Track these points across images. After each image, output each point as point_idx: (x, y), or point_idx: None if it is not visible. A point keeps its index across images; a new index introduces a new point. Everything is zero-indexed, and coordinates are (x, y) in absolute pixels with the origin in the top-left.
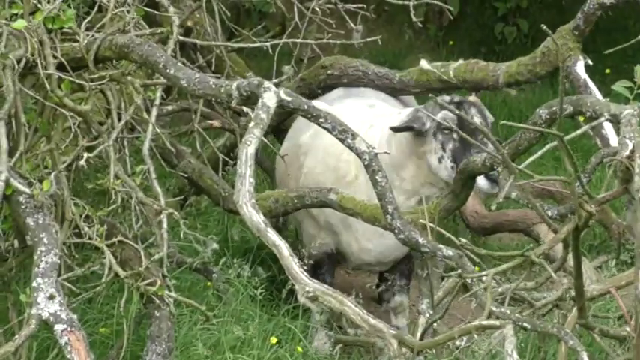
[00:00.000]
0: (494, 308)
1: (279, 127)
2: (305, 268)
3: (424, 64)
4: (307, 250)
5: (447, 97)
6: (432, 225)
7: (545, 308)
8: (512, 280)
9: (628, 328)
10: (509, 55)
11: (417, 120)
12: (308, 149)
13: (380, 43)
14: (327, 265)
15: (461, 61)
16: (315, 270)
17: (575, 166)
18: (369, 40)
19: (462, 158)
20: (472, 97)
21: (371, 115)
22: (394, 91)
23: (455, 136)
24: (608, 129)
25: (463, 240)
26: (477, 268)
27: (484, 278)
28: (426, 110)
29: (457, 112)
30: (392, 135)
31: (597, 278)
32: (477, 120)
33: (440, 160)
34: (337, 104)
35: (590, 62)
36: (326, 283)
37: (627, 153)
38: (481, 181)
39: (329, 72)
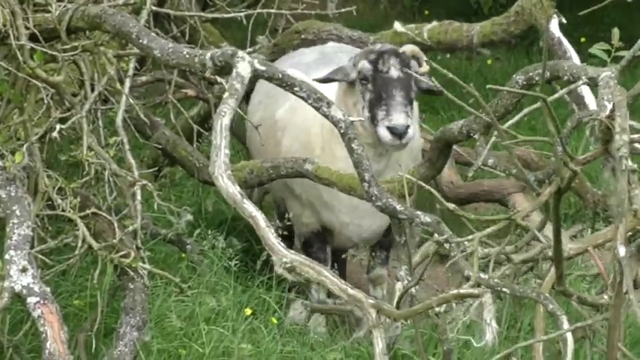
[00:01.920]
0: (469, 273)
1: None
2: (281, 238)
3: (398, 26)
4: (296, 229)
5: (376, 46)
6: (412, 179)
7: (520, 273)
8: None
9: (605, 297)
10: None
11: (340, 71)
12: (285, 126)
13: (355, 13)
14: (317, 243)
15: (435, 23)
16: (307, 249)
17: (558, 127)
18: (343, 10)
19: (375, 109)
20: (406, 47)
21: None
22: None
23: (370, 86)
24: (586, 94)
25: (452, 206)
26: None
27: (468, 244)
28: (354, 60)
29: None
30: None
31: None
32: (395, 72)
33: (363, 109)
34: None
35: (564, 20)
36: (319, 260)
37: (607, 113)
38: (382, 132)
39: (303, 37)
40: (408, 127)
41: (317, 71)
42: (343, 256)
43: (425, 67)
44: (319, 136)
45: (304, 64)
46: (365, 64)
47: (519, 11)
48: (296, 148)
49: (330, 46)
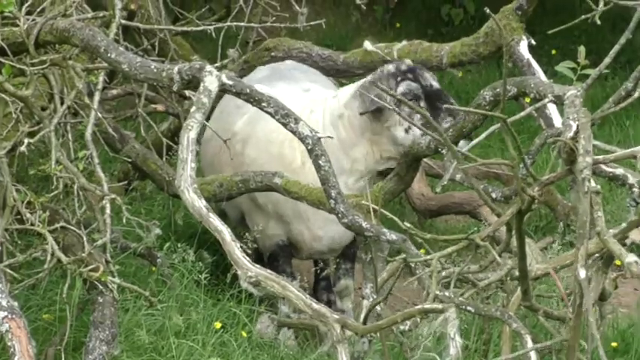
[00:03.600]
0: (438, 292)
1: None
2: (249, 253)
3: (368, 45)
4: (260, 243)
5: (392, 67)
6: (375, 207)
7: (489, 288)
8: (456, 262)
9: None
10: (455, 36)
11: (380, 98)
12: (246, 137)
13: (325, 26)
14: (283, 257)
15: (405, 42)
16: (272, 262)
17: (520, 150)
18: (314, 23)
19: (437, 120)
20: (408, 62)
21: (308, 99)
22: (338, 73)
23: (423, 104)
24: (552, 110)
25: (407, 224)
26: (422, 251)
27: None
28: (381, 84)
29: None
30: (338, 117)
31: (542, 260)
32: (435, 84)
33: (407, 130)
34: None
35: (533, 42)
36: (285, 273)
37: (571, 134)
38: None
39: (273, 54)
40: None
41: (270, 86)
42: (313, 269)
43: None
44: (296, 150)
45: (255, 80)
46: (411, 84)
47: (489, 32)
48: (264, 160)
49: (286, 63)
